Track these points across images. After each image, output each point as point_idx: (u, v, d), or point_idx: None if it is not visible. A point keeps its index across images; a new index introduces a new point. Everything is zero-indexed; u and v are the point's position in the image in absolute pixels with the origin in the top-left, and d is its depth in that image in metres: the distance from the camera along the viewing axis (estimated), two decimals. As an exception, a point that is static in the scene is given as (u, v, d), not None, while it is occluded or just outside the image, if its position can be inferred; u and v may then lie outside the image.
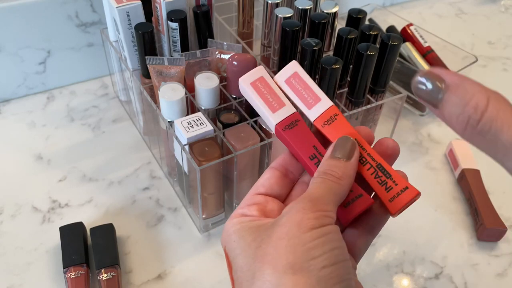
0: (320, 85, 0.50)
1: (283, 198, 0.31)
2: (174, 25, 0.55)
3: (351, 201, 0.29)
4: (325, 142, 0.31)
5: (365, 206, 0.29)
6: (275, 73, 0.59)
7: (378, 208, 0.30)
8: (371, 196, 0.29)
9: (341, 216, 0.29)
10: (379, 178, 0.29)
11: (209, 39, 0.57)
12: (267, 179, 0.31)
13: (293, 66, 0.32)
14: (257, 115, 0.47)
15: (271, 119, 0.31)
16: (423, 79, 0.23)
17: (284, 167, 0.31)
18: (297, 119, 0.32)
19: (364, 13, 0.59)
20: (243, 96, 0.33)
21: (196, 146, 0.47)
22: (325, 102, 0.32)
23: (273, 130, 0.32)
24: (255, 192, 0.31)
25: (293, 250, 0.24)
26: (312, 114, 0.32)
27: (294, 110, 0.32)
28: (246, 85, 0.32)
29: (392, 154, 0.30)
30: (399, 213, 0.29)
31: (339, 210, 0.29)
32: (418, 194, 0.28)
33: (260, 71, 0.32)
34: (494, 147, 0.21)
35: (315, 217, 0.25)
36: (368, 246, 0.30)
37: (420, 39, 0.77)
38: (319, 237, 0.24)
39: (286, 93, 0.32)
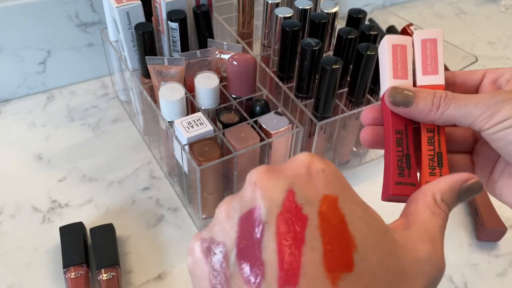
0: (320, 85, 0.50)
1: None
2: (174, 25, 0.55)
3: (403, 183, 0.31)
4: None
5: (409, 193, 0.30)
6: (275, 73, 0.59)
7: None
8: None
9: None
10: (431, 161, 0.31)
11: (209, 39, 0.57)
12: None
13: (437, 33, 0.34)
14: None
15: (387, 82, 0.33)
16: (395, 89, 0.31)
17: None
18: None
19: (364, 13, 0.59)
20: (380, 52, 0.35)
21: (196, 146, 0.47)
22: (440, 78, 0.33)
23: (382, 92, 0.33)
24: None
25: None
26: (421, 80, 0.33)
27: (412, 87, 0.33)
28: (387, 44, 0.33)
29: None
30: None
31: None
32: None
33: (407, 40, 0.34)
34: (464, 112, 0.29)
35: None
36: None
37: (420, 39, 0.77)
38: None
39: (414, 50, 0.34)
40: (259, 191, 0.22)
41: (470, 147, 0.34)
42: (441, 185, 0.27)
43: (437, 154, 0.32)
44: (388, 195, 0.31)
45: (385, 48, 0.33)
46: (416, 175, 0.31)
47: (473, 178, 0.27)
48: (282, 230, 0.20)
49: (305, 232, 0.20)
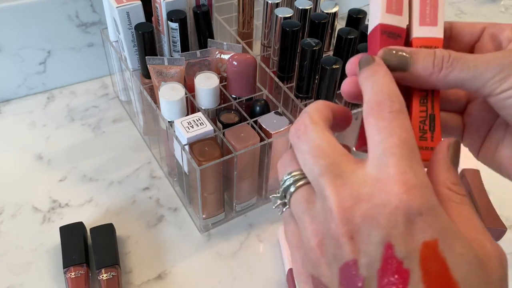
0: (320, 85, 0.50)
1: None
2: (174, 25, 0.55)
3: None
4: None
5: None
6: (275, 73, 0.59)
7: None
8: None
9: None
10: (423, 124, 0.28)
11: (209, 39, 0.57)
12: None
13: None
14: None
15: (379, 16, 0.29)
16: (389, 50, 0.27)
17: None
18: (400, 35, 0.29)
19: (364, 13, 0.59)
20: None
21: (196, 146, 0.47)
22: (438, 31, 0.30)
23: (370, 29, 0.30)
24: None
25: None
26: (418, 31, 0.30)
27: (405, 26, 0.30)
28: None
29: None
30: None
31: None
32: None
33: None
34: (472, 75, 0.25)
35: None
36: None
37: (420, 39, 0.77)
38: None
39: None
40: (356, 245, 0.21)
41: (462, 107, 0.31)
42: (440, 175, 0.24)
43: (429, 116, 0.28)
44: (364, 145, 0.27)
45: None
46: None
47: (451, 143, 0.24)
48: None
49: (408, 287, 0.20)
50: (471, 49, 0.31)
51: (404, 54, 0.27)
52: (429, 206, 0.21)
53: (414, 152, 0.22)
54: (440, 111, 0.28)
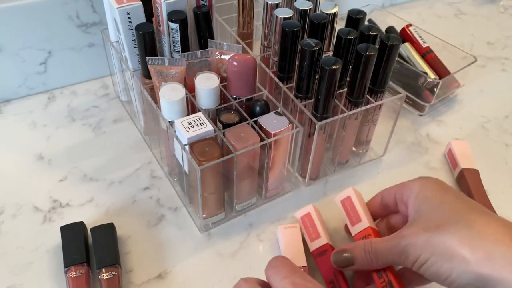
0: (319, 85, 0.51)
1: None
2: (175, 25, 0.55)
3: None
4: None
5: None
6: (275, 73, 0.59)
7: None
8: None
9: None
10: None
11: (209, 40, 0.57)
12: None
13: (349, 192, 0.46)
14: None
15: (311, 251, 0.46)
16: (336, 255, 0.42)
17: None
18: (326, 249, 0.44)
19: (363, 13, 0.59)
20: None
21: (196, 146, 0.47)
22: (364, 223, 0.43)
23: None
24: None
25: None
26: (354, 230, 0.44)
27: (326, 241, 0.45)
28: (298, 217, 0.47)
29: None
30: None
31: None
32: None
33: (310, 208, 0.47)
34: (390, 259, 0.39)
35: None
36: None
37: (419, 39, 0.78)
38: None
39: (343, 210, 0.46)
40: None
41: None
42: None
43: (388, 283, 0.39)
44: None
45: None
46: None
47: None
48: None
49: None
50: (396, 205, 0.45)
51: (346, 254, 0.41)
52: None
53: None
54: (395, 274, 0.41)
